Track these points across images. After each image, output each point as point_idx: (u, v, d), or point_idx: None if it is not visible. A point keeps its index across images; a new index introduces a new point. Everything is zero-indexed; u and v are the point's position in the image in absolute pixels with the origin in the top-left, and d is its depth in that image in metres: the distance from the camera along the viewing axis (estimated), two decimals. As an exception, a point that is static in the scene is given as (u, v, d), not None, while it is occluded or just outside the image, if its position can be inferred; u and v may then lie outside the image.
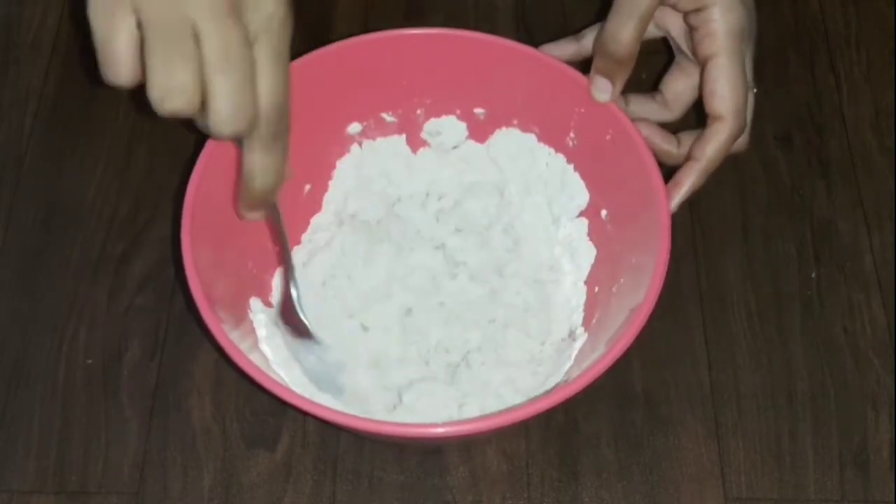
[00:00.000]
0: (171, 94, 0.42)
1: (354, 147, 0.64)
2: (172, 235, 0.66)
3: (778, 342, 0.63)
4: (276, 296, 0.61)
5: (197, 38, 0.42)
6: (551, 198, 0.63)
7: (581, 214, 0.62)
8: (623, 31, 0.55)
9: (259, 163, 0.47)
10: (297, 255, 0.62)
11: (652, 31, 0.58)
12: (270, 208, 0.52)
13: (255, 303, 0.59)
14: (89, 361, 0.62)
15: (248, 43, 0.43)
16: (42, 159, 0.69)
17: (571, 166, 0.61)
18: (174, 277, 0.65)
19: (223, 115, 0.43)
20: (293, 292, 0.57)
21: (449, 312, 0.60)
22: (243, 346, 0.52)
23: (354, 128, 0.64)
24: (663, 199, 0.54)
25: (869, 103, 0.71)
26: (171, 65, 0.41)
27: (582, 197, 0.61)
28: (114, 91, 0.71)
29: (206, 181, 0.55)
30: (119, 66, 0.42)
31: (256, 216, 0.52)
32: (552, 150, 0.62)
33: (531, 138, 0.63)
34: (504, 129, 0.63)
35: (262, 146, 0.46)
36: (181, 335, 0.63)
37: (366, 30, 0.59)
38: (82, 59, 0.74)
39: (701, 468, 0.59)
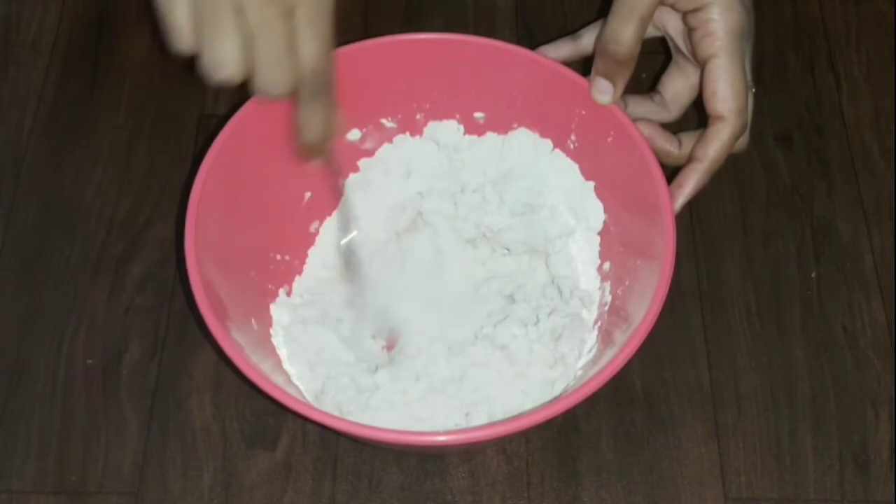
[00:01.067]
0: (219, 65, 0.46)
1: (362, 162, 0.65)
2: (173, 235, 0.66)
3: (778, 342, 0.63)
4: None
5: (240, 13, 0.45)
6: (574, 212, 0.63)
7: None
8: (624, 32, 0.55)
9: (306, 118, 0.50)
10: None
11: (650, 31, 0.58)
12: (325, 156, 0.55)
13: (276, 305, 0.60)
14: (89, 361, 0.62)
15: (287, 14, 0.46)
16: (42, 159, 0.69)
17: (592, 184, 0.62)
18: (174, 277, 0.65)
19: (266, 80, 0.47)
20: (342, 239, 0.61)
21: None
22: (246, 347, 0.52)
23: (354, 134, 0.63)
24: (667, 200, 0.54)
25: (869, 103, 0.71)
26: (217, 39, 0.45)
27: (598, 217, 0.62)
28: (114, 91, 0.72)
29: (210, 184, 0.55)
30: (178, 37, 0.46)
31: (313, 164, 0.55)
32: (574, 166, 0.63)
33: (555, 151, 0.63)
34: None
35: (308, 104, 0.50)
36: (181, 335, 0.63)
37: (366, 31, 0.59)
38: (82, 59, 0.74)
39: (701, 468, 0.59)
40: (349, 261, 0.62)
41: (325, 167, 0.56)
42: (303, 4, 0.47)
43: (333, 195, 0.62)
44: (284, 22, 0.46)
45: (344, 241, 0.63)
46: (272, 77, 0.47)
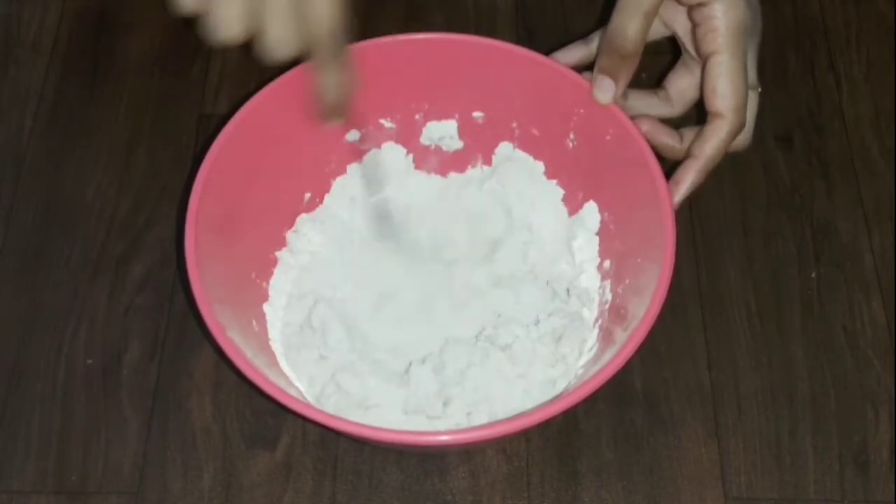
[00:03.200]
0: (222, 24, 0.46)
1: (351, 167, 0.65)
2: (173, 235, 0.66)
3: (778, 342, 0.63)
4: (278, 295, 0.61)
5: None
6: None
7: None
8: (629, 26, 0.55)
9: (320, 79, 0.51)
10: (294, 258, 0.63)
11: (658, 31, 0.58)
12: (345, 116, 0.55)
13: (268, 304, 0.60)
14: (89, 361, 0.62)
15: None
16: (42, 159, 0.69)
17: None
18: (174, 277, 0.65)
19: (272, 43, 0.47)
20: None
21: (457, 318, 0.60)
22: (246, 348, 0.52)
23: (353, 135, 0.64)
24: (666, 198, 0.54)
25: (869, 103, 0.71)
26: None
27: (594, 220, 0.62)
28: (114, 91, 0.72)
29: (210, 184, 0.55)
30: None
31: (333, 124, 0.55)
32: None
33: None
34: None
35: (325, 64, 0.50)
36: (181, 335, 0.63)
37: (365, 31, 0.59)
38: (82, 59, 0.74)
39: (701, 468, 0.59)
40: (382, 217, 0.62)
41: (345, 126, 0.56)
42: None
43: (353, 155, 0.63)
44: None
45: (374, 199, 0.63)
46: (277, 39, 0.47)
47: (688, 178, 0.56)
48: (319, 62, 0.50)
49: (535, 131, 0.63)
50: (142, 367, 0.62)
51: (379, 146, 0.65)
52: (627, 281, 0.57)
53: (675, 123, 0.58)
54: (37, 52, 0.74)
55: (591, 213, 0.62)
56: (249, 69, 0.72)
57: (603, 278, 0.61)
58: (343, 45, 0.50)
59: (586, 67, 0.59)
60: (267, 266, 0.62)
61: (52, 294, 0.64)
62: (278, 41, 0.47)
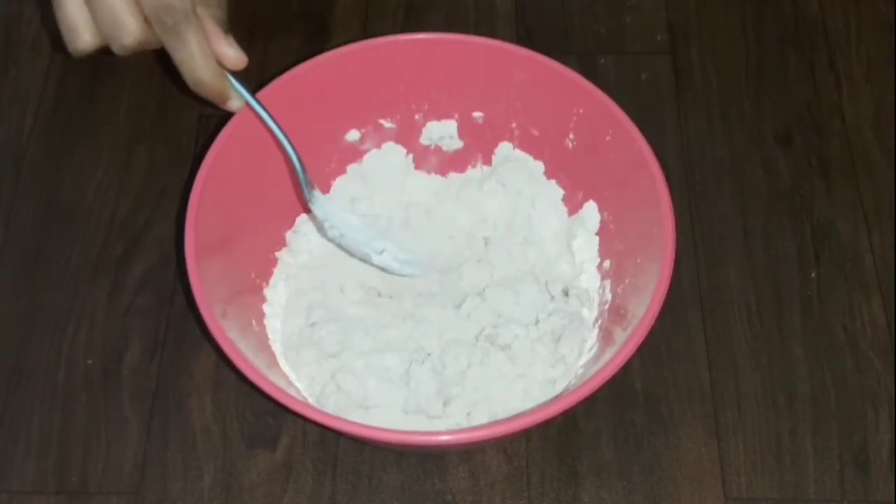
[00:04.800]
0: (66, 35, 0.51)
1: (351, 167, 0.64)
2: (173, 235, 0.66)
3: (778, 342, 0.63)
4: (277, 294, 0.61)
5: None
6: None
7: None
8: None
9: (177, 56, 0.52)
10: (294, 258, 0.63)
11: None
12: (227, 96, 0.54)
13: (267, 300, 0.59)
14: (89, 361, 0.62)
15: None
16: (42, 159, 0.69)
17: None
18: (174, 277, 0.65)
19: (107, 30, 0.50)
20: (301, 178, 0.58)
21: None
22: (246, 348, 0.52)
23: (353, 135, 0.64)
24: (665, 197, 0.54)
25: (869, 103, 0.71)
26: (60, 8, 0.51)
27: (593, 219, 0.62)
28: (114, 91, 0.72)
29: (210, 184, 0.55)
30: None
31: (230, 105, 0.55)
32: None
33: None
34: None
35: (170, 43, 0.51)
36: (181, 335, 0.63)
37: (365, 31, 0.59)
38: (82, 59, 0.73)
39: (701, 468, 0.59)
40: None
41: (244, 108, 0.55)
42: None
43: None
44: None
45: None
46: (111, 24, 0.50)
47: None
48: (165, 41, 0.50)
49: (534, 131, 0.63)
50: (142, 367, 0.62)
51: (379, 146, 0.65)
52: (627, 281, 0.57)
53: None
54: (37, 52, 0.74)
55: (590, 212, 0.62)
56: (249, 69, 0.72)
57: (603, 278, 0.61)
58: (182, 21, 0.50)
59: (575, 64, 0.58)
60: (267, 266, 0.62)
61: (52, 294, 0.64)
62: (108, 33, 0.50)
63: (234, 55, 0.52)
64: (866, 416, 0.60)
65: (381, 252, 0.57)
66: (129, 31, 0.50)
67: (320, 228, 0.60)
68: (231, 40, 0.52)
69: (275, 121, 0.56)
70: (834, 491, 0.58)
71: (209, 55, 0.51)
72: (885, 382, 0.61)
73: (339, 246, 0.60)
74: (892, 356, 0.62)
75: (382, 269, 0.60)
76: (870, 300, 0.64)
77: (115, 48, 0.51)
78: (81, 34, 0.51)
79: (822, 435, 0.60)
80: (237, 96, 0.53)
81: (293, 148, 0.57)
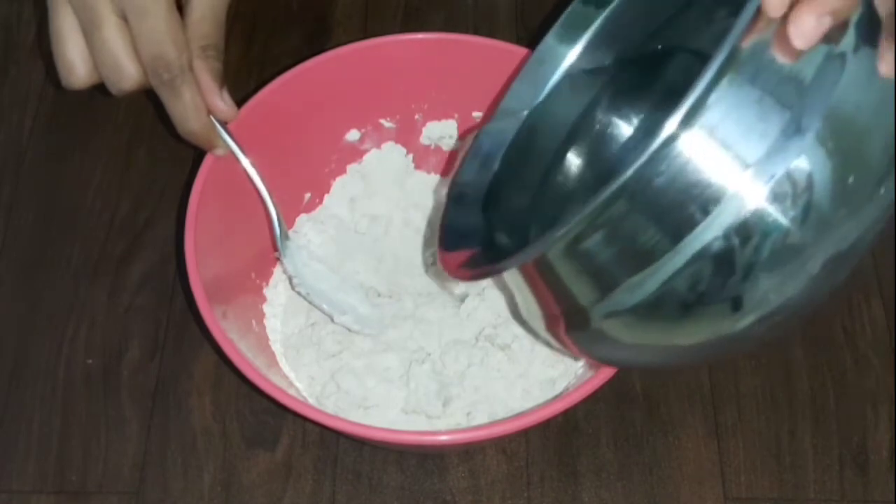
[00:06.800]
0: (61, 70, 0.51)
1: (351, 167, 0.65)
2: (173, 235, 0.66)
3: (778, 342, 0.63)
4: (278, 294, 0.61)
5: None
6: None
7: None
8: None
9: (170, 108, 0.52)
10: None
11: None
12: (214, 143, 0.55)
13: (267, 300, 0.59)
14: (89, 361, 0.62)
15: (113, 9, 0.49)
16: (42, 159, 0.69)
17: None
18: (174, 277, 0.65)
19: (106, 72, 0.50)
20: (276, 229, 0.59)
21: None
22: (246, 348, 0.52)
23: (353, 135, 0.64)
24: None
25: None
26: (59, 43, 0.51)
27: None
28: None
29: (210, 184, 0.55)
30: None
31: (215, 152, 0.55)
32: None
33: None
34: None
35: (164, 96, 0.52)
36: (181, 335, 0.63)
37: (365, 31, 0.59)
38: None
39: (701, 468, 0.59)
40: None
41: (229, 153, 0.55)
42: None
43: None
44: (109, 13, 0.49)
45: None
46: (110, 68, 0.50)
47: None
48: (160, 91, 0.51)
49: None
50: (142, 367, 0.62)
51: (379, 146, 0.65)
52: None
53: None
54: (37, 52, 0.74)
55: None
56: (249, 69, 0.72)
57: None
58: (178, 74, 0.50)
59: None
60: (267, 266, 0.62)
61: (52, 294, 0.64)
62: (107, 75, 0.50)
63: (225, 109, 0.53)
64: (866, 415, 0.60)
65: (344, 314, 0.58)
66: (129, 77, 0.50)
67: (290, 279, 0.61)
68: (225, 95, 0.53)
69: (257, 170, 0.56)
70: (833, 491, 0.58)
71: (201, 108, 0.52)
72: (885, 382, 0.61)
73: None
74: (892, 356, 0.62)
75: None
76: (869, 300, 0.64)
77: (113, 90, 0.51)
78: (77, 71, 0.51)
79: (821, 435, 0.60)
80: (223, 145, 0.54)
81: (272, 199, 0.57)
